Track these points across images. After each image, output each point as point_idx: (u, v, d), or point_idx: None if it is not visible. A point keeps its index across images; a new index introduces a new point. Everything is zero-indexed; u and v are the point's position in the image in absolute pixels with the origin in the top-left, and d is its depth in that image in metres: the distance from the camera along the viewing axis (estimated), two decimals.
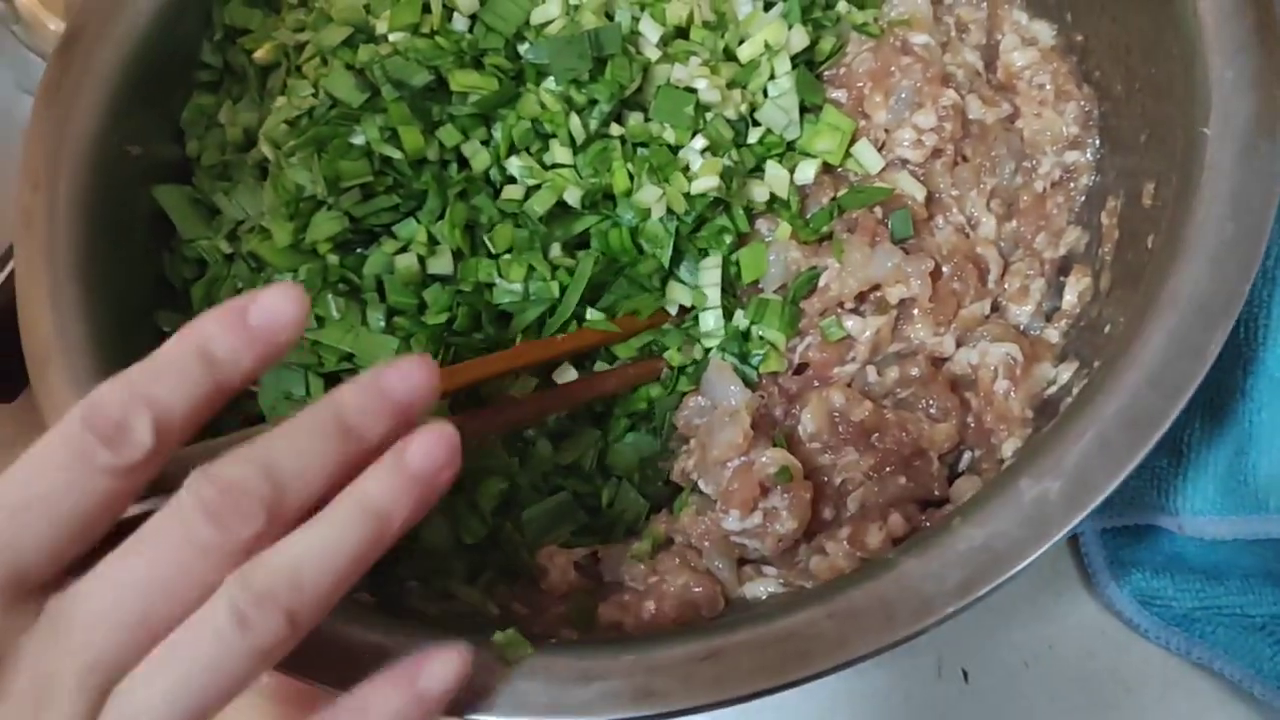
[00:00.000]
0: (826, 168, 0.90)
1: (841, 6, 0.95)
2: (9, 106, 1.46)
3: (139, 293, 0.89)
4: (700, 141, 0.85)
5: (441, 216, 0.84)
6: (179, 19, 0.94)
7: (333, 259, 0.84)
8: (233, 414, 0.87)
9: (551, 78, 0.84)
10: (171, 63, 0.95)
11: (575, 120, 0.82)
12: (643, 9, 0.86)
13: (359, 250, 0.86)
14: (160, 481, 0.55)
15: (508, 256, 0.84)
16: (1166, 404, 0.62)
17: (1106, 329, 0.78)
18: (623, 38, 0.83)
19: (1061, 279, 0.89)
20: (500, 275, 0.84)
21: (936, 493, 0.82)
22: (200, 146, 0.94)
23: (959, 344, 0.86)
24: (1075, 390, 0.75)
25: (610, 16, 0.86)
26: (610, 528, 0.85)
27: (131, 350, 0.83)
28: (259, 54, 0.91)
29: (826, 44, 0.92)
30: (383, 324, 0.84)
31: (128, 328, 0.85)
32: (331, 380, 0.85)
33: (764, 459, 0.80)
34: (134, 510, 0.57)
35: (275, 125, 0.84)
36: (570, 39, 0.82)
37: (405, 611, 0.76)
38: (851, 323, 0.85)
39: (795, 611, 0.63)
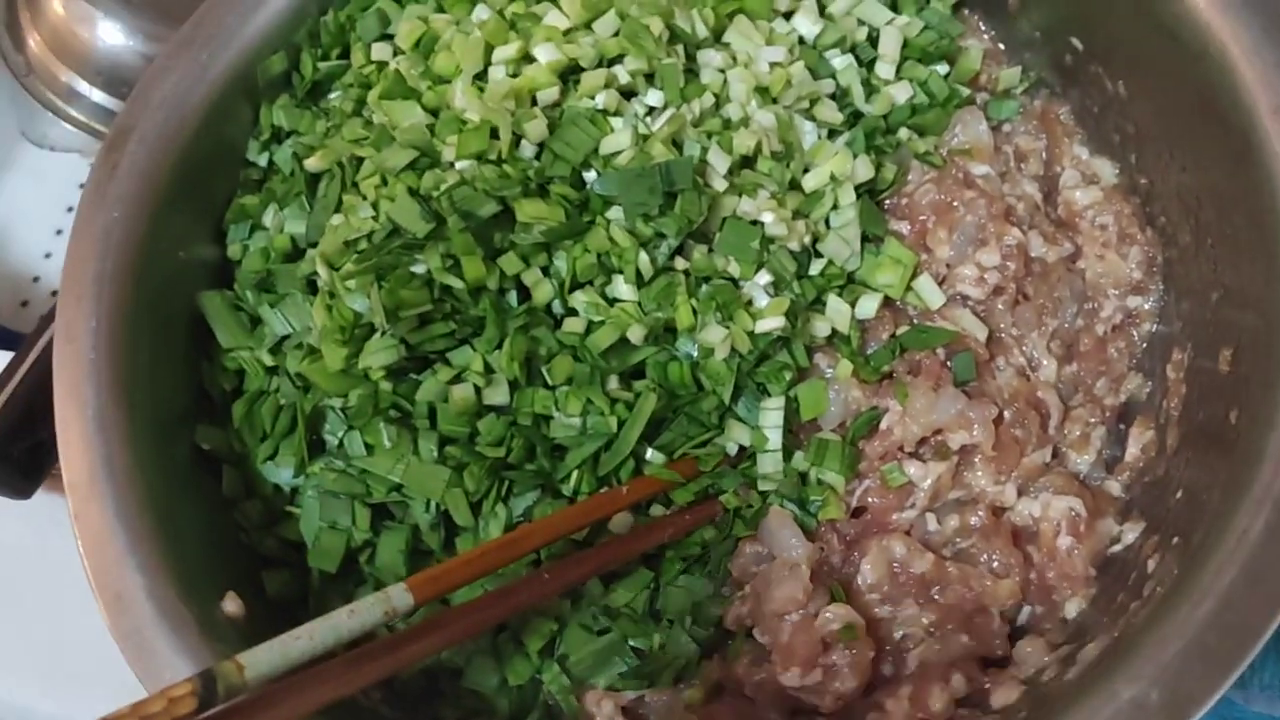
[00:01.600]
0: (885, 301, 0.89)
1: (903, 133, 0.93)
2: (13, 155, 1.44)
3: (178, 404, 0.86)
4: (765, 276, 0.83)
5: (499, 346, 0.81)
6: (226, 118, 0.91)
7: (385, 385, 0.82)
8: (268, 534, 0.85)
9: (617, 208, 0.82)
10: (216, 161, 0.92)
11: (644, 257, 0.80)
12: (710, 138, 0.84)
13: (411, 375, 0.83)
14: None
15: (565, 388, 0.82)
16: (1269, 611, 0.61)
17: (1179, 494, 0.77)
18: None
19: (1122, 427, 0.88)
20: (558, 408, 0.81)
21: (999, 652, 0.80)
22: (242, 250, 0.91)
23: (1020, 493, 0.85)
24: (1150, 563, 0.73)
25: (679, 146, 0.84)
26: (659, 672, 0.83)
27: (173, 472, 0.81)
28: (311, 161, 0.88)
29: (888, 172, 0.91)
30: (434, 453, 0.81)
31: (168, 446, 0.82)
32: (379, 511, 0.83)
33: (827, 615, 0.78)
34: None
35: (332, 245, 0.82)
36: (641, 172, 0.80)
37: None
38: (913, 468, 0.83)
39: None
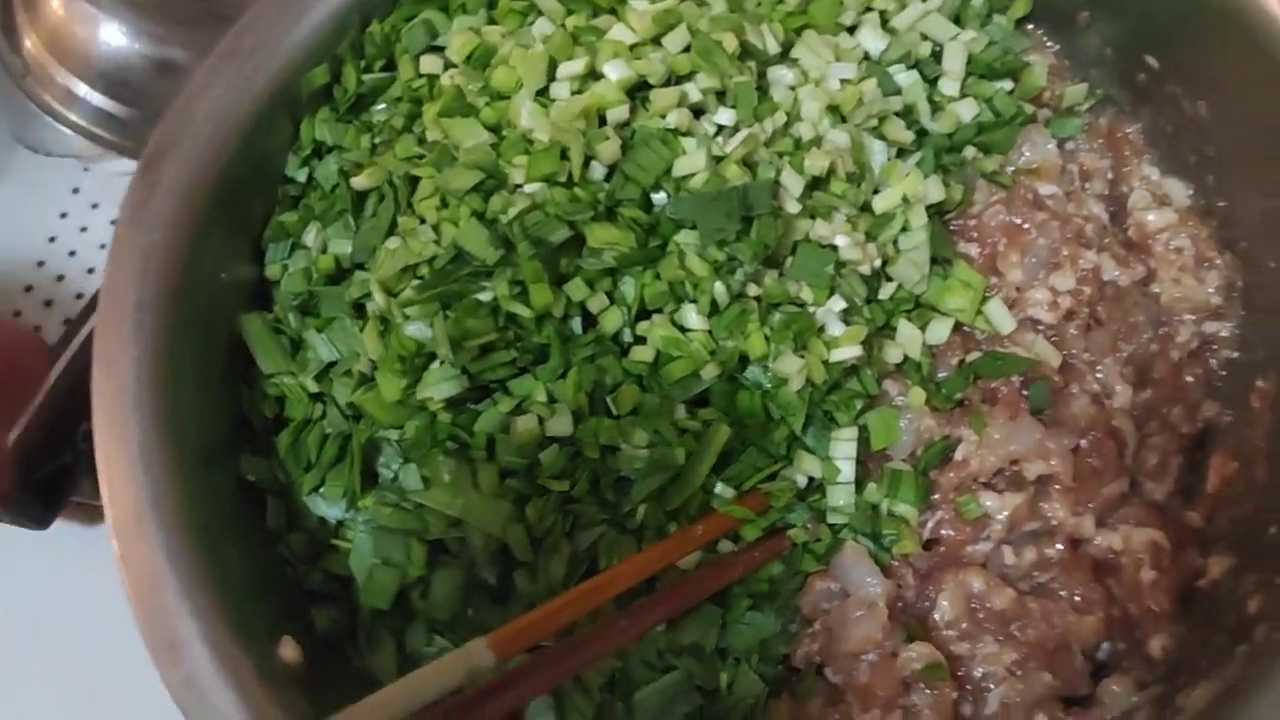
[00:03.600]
0: (955, 326, 0.86)
1: (969, 152, 0.90)
2: (7, 160, 1.38)
3: (220, 434, 0.82)
4: (839, 303, 0.80)
5: (563, 375, 0.78)
6: (267, 133, 0.87)
7: (444, 416, 0.78)
8: (314, 568, 0.81)
9: (687, 232, 0.78)
10: (255, 178, 0.88)
11: (719, 285, 0.76)
12: (783, 158, 0.81)
13: (469, 406, 0.79)
14: None
15: (631, 418, 0.78)
16: None
17: (1273, 529, 0.74)
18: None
19: (1199, 455, 0.85)
20: (623, 439, 0.78)
21: (1082, 691, 0.77)
22: (282, 270, 0.87)
23: (1099, 524, 0.82)
24: (1250, 604, 0.71)
25: (751, 168, 0.80)
26: (727, 713, 0.80)
27: (218, 505, 0.77)
28: (359, 180, 0.84)
29: (955, 192, 0.88)
30: (495, 486, 0.78)
31: (213, 480, 0.78)
32: (436, 548, 0.79)
33: (910, 654, 0.75)
34: None
35: (390, 271, 0.78)
36: (718, 196, 0.76)
37: None
38: (989, 500, 0.81)
39: None
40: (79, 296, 1.29)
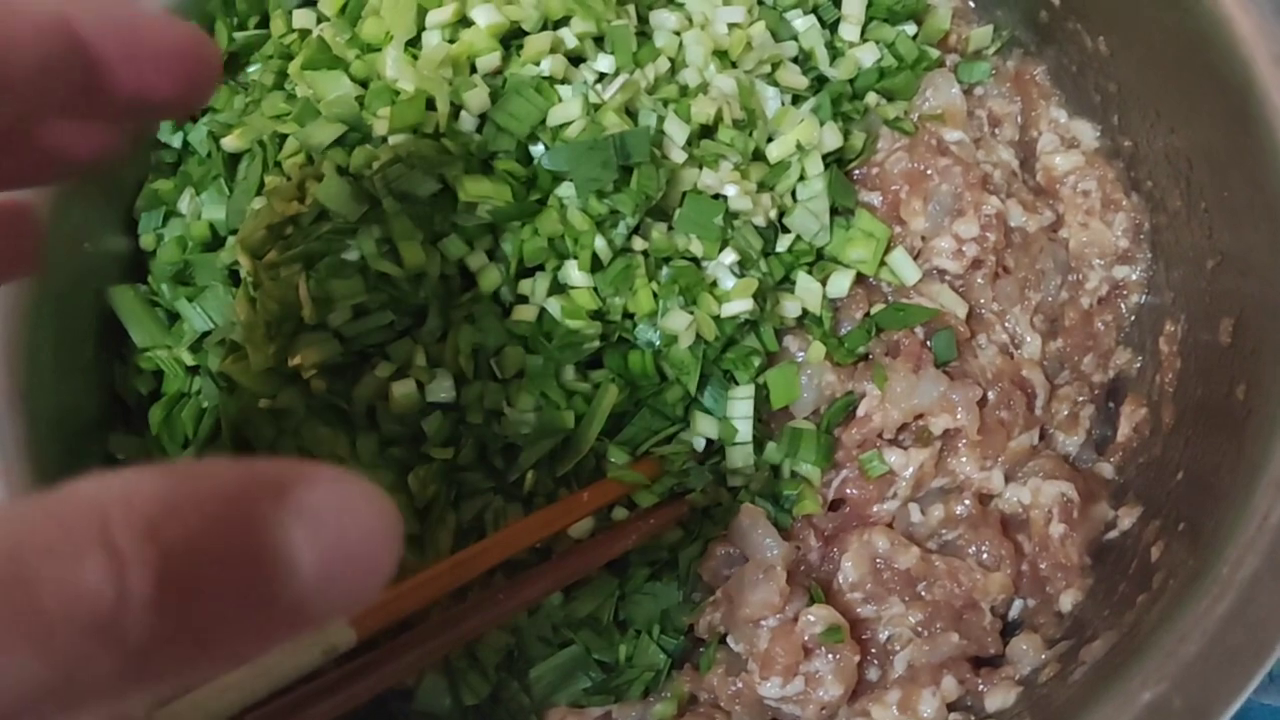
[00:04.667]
0: (858, 278, 0.83)
1: (871, 98, 0.87)
2: None
3: (87, 411, 0.78)
4: (730, 255, 0.77)
5: (442, 338, 0.74)
6: None
7: (318, 384, 0.74)
8: None
9: (568, 184, 0.75)
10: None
11: (600, 240, 0.73)
12: (666, 105, 0.78)
13: (347, 373, 0.76)
14: None
15: (516, 381, 0.75)
16: None
17: (1179, 475, 0.72)
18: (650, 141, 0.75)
19: (1111, 405, 0.83)
20: (509, 403, 0.75)
21: (992, 650, 0.75)
22: (156, 240, 0.83)
23: (1008, 479, 0.79)
24: (1153, 551, 0.68)
25: (633, 115, 0.77)
26: (627, 686, 0.77)
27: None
28: (229, 140, 0.80)
29: (856, 140, 0.85)
30: (376, 456, 0.74)
31: (76, 459, 0.74)
32: None
33: (809, 617, 0.72)
34: None
35: (253, 232, 0.74)
36: (593, 144, 0.73)
37: None
38: (894, 456, 0.78)
39: None
40: None
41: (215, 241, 0.81)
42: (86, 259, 0.80)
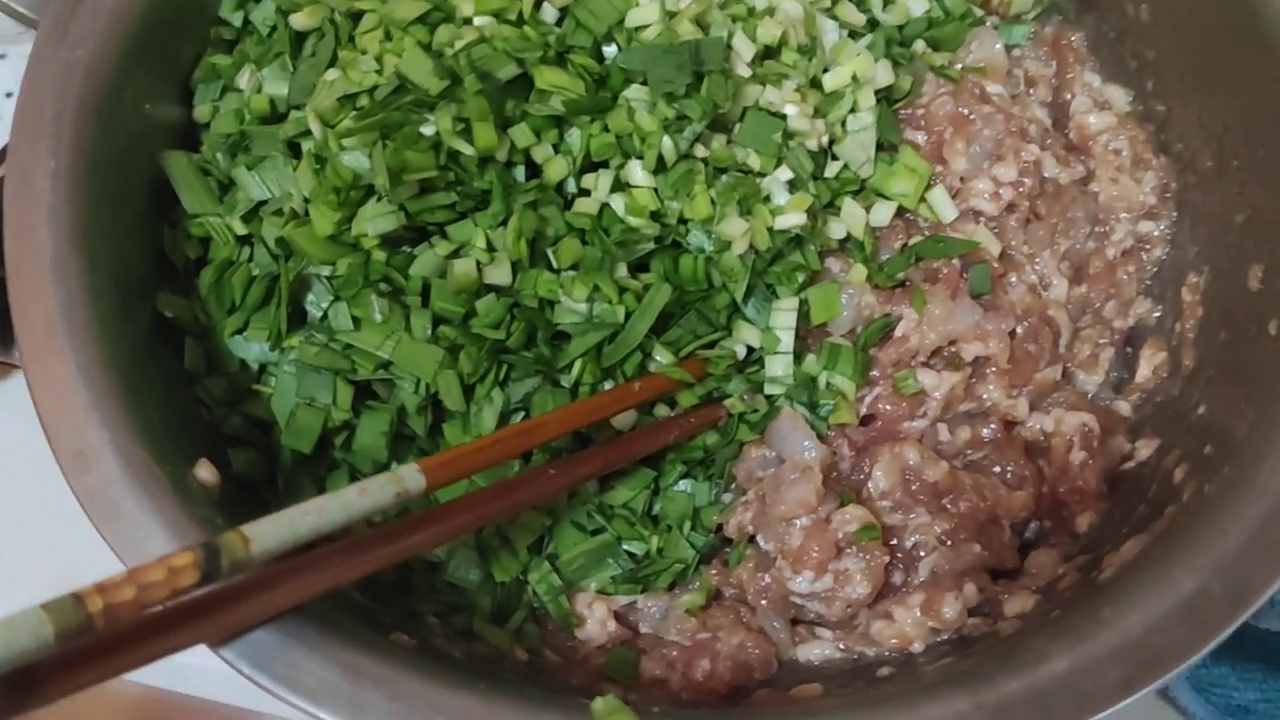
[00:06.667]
0: (899, 211, 0.86)
1: (918, 46, 0.91)
2: None
3: (138, 269, 0.77)
4: (785, 172, 0.79)
5: (504, 222, 0.76)
6: None
7: (379, 255, 0.75)
8: (234, 412, 0.77)
9: (637, 86, 0.77)
10: (185, 14, 0.84)
11: (667, 141, 0.75)
12: (735, 23, 0.80)
13: (406, 249, 0.77)
14: None
15: (572, 273, 0.76)
16: None
17: (1200, 410, 0.75)
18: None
19: (1129, 351, 0.87)
20: (563, 292, 0.76)
21: (1010, 564, 0.78)
22: (212, 111, 0.83)
23: (1032, 408, 0.82)
24: (1177, 473, 0.72)
25: (704, 27, 0.79)
26: (655, 577, 0.78)
27: (134, 339, 0.73)
28: (298, 18, 0.81)
29: (904, 81, 0.88)
30: (428, 332, 0.75)
31: (128, 309, 0.74)
32: (363, 390, 0.76)
33: (845, 516, 0.74)
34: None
35: (327, 101, 0.75)
36: (669, 48, 0.75)
37: (430, 651, 0.67)
38: (926, 377, 0.80)
39: (939, 697, 0.57)
40: None
41: (275, 116, 0.82)
42: (145, 120, 0.80)
